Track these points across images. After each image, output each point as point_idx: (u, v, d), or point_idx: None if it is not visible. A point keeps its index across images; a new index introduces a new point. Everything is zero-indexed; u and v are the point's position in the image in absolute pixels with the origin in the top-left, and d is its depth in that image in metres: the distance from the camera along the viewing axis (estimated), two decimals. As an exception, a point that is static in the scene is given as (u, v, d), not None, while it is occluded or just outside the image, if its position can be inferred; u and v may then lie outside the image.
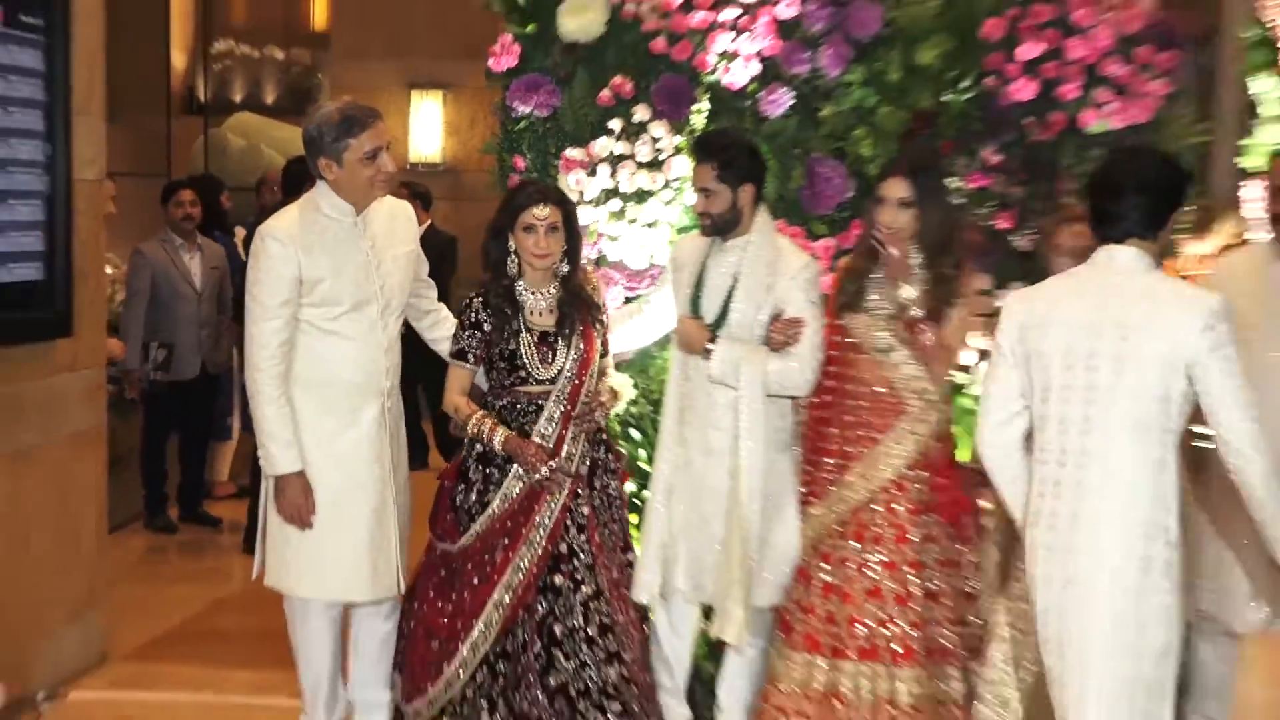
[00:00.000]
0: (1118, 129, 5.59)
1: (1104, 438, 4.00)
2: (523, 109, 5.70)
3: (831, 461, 5.03)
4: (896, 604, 4.87)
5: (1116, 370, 3.99)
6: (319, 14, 14.85)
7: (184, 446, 9.09)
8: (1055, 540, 4.03)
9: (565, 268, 5.02)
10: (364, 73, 12.86)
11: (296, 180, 8.63)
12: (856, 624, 4.88)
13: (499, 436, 4.85)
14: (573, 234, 5.01)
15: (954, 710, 4.86)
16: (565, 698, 4.85)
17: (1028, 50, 5.55)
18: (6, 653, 5.58)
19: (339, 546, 4.90)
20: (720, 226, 5.02)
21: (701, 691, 5.34)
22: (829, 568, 4.98)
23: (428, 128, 13.00)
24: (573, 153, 5.67)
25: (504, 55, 5.72)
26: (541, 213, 4.90)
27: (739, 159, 5.00)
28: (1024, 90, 5.57)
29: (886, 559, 4.91)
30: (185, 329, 8.67)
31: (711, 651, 5.32)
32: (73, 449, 6.05)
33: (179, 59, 13.97)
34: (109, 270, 7.95)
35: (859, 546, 4.94)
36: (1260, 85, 8.96)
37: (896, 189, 4.93)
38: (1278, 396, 4.66)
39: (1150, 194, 4.16)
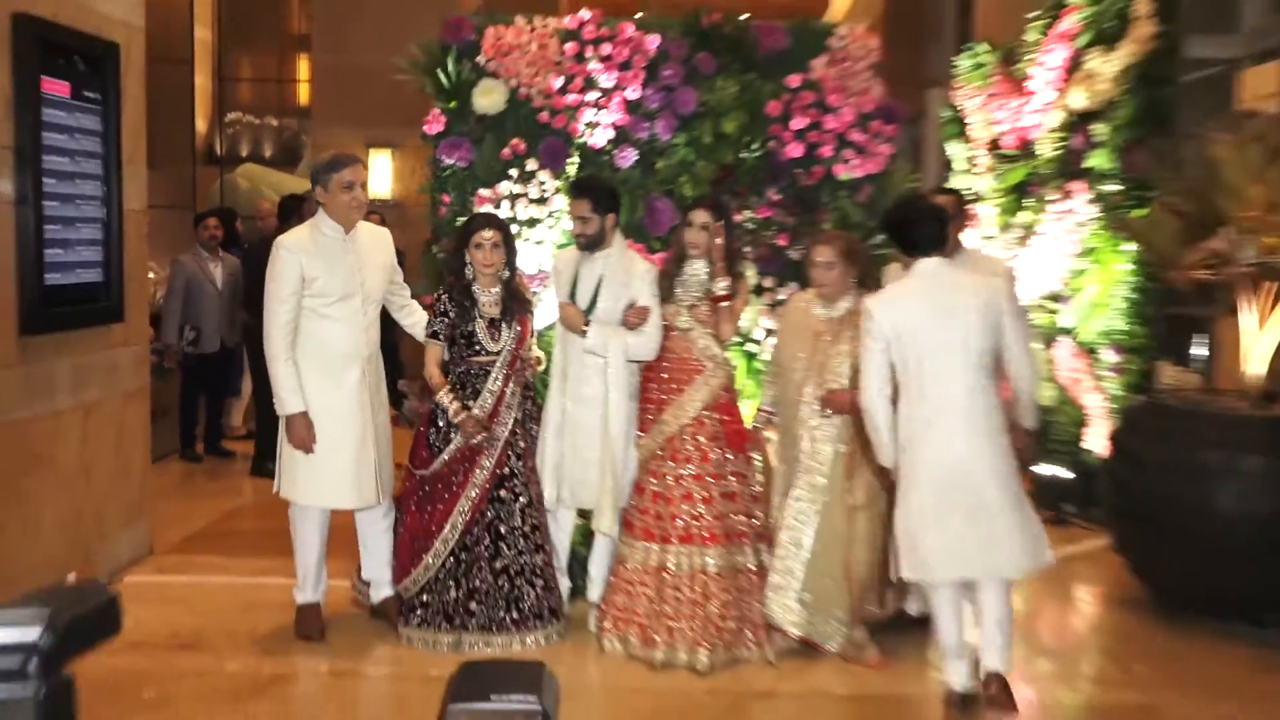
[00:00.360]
0: (859, 177, 5.71)
1: (952, 380, 4.25)
2: (448, 161, 5.66)
3: (653, 405, 5.08)
4: (703, 503, 4.93)
5: (956, 336, 4.24)
6: (303, 93, 14.72)
7: (208, 400, 8.98)
8: (939, 450, 4.25)
9: (505, 273, 5.04)
10: (335, 135, 12.65)
11: (287, 212, 8.58)
12: (676, 519, 4.93)
13: (451, 409, 4.89)
14: (510, 249, 5.05)
15: (749, 574, 4.93)
16: (506, 576, 4.92)
17: (797, 123, 5.63)
18: (79, 549, 5.52)
19: (331, 468, 4.91)
20: (591, 244, 5.05)
21: (577, 568, 5.36)
22: (655, 480, 5.02)
23: (381, 174, 12.86)
24: (484, 192, 5.65)
25: (434, 123, 5.68)
26: (487, 234, 4.94)
27: (605, 196, 5.06)
28: (795, 150, 5.66)
29: (694, 472, 4.97)
30: (209, 316, 8.57)
31: (584, 540, 5.34)
32: (125, 402, 5.94)
33: (201, 124, 13.76)
34: (150, 274, 7.85)
35: (674, 464, 5.00)
36: (952, 149, 9.17)
37: (700, 216, 5.04)
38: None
39: (934, 224, 4.44)
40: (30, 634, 1.28)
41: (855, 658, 4.88)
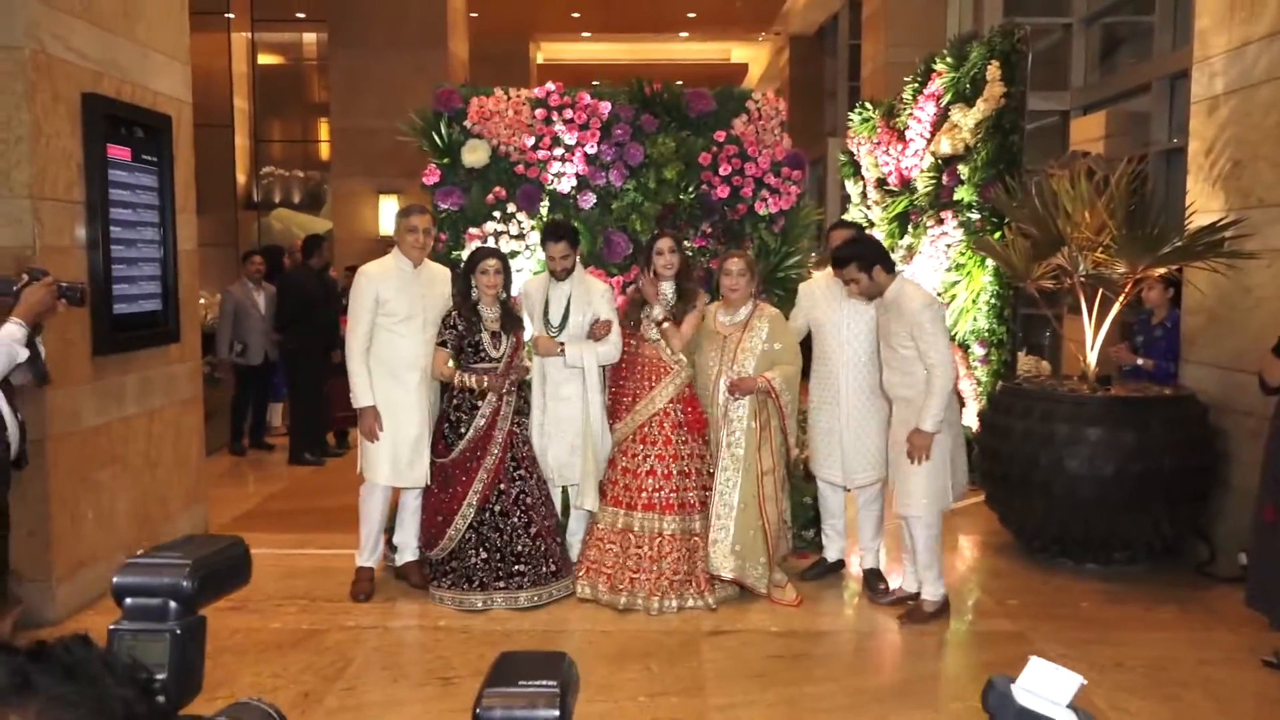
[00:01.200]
0: (774, 212, 5.67)
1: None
2: (444, 206, 5.58)
3: (629, 398, 5.02)
4: (664, 479, 4.90)
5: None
6: (324, 150, 14.54)
7: (254, 404, 8.81)
8: None
9: (504, 295, 4.97)
10: (350, 184, 12.55)
11: (308, 249, 8.44)
12: (642, 491, 4.90)
13: (474, 381, 4.83)
14: (508, 276, 4.98)
15: (696, 539, 4.90)
16: (541, 538, 4.89)
17: (724, 170, 5.59)
18: (148, 529, 5.37)
19: (394, 453, 4.89)
20: (568, 273, 5.01)
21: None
22: (625, 458, 4.99)
23: (389, 215, 12.70)
24: (473, 230, 5.58)
25: (431, 175, 5.60)
26: (491, 263, 4.88)
27: (575, 236, 5.04)
28: (722, 192, 5.61)
29: (659, 453, 4.93)
30: (254, 335, 8.38)
31: (564, 511, 5.28)
32: (182, 408, 5.79)
33: (241, 176, 13.59)
34: (200, 300, 7.70)
35: (643, 447, 4.95)
36: (849, 186, 9.15)
37: (667, 244, 4.98)
38: (843, 355, 5.03)
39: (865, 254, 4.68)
40: (174, 579, 1.24)
41: (779, 599, 4.90)
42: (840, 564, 5.35)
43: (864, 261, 4.67)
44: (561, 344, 4.95)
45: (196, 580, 1.24)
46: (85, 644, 0.88)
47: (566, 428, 5.01)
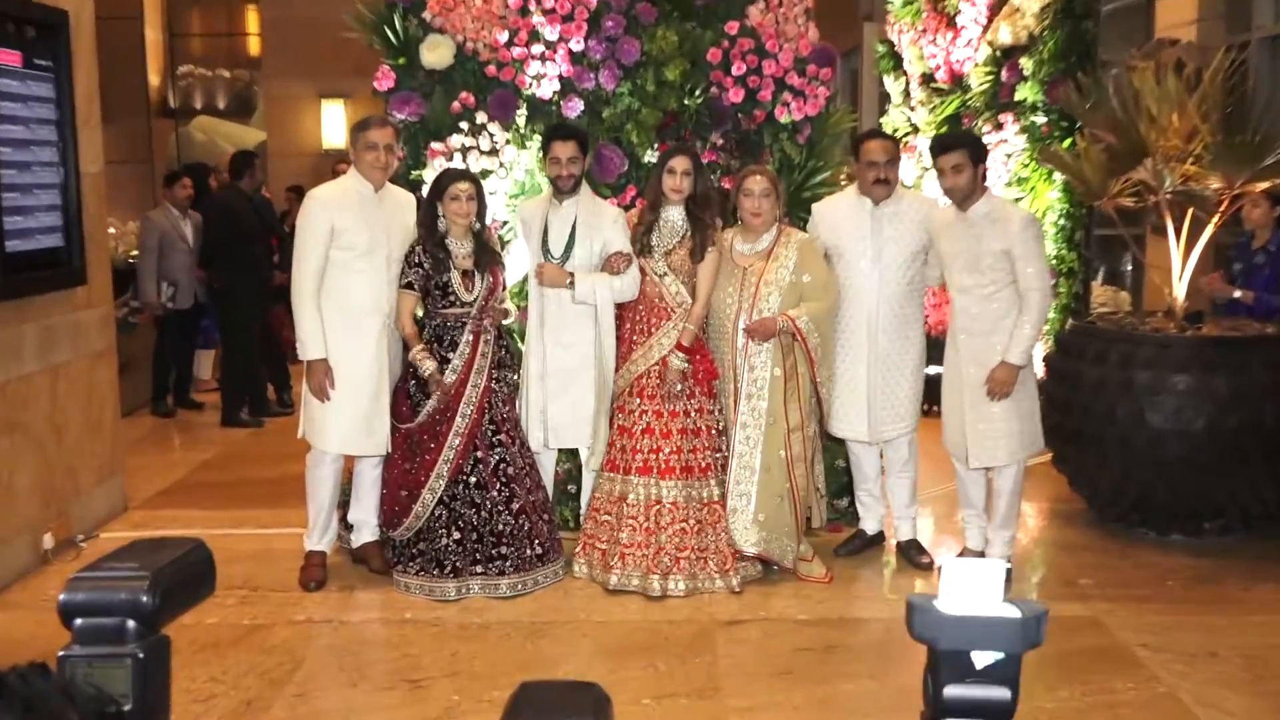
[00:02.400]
0: (798, 119, 5.64)
1: None
2: (400, 116, 5.53)
3: (624, 346, 5.06)
4: (663, 438, 4.94)
5: None
6: (254, 45, 14.41)
7: (180, 354, 8.83)
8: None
9: (477, 225, 4.95)
10: (286, 86, 12.47)
11: (238, 168, 8.39)
12: (635, 453, 4.95)
13: (426, 368, 4.82)
14: (482, 202, 4.95)
15: (715, 505, 4.95)
16: (525, 515, 4.92)
17: (736, 69, 5.54)
18: (54, 508, 5.42)
19: (348, 415, 4.89)
20: (576, 184, 5.01)
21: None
22: (621, 416, 5.05)
23: (335, 124, 12.62)
24: (436, 145, 5.53)
25: (384, 79, 5.54)
26: (462, 187, 4.86)
27: (585, 138, 5.08)
28: (735, 95, 5.57)
29: (656, 409, 4.97)
30: (185, 274, 8.41)
31: (572, 476, 5.46)
32: (93, 363, 5.81)
33: (154, 78, 13.43)
34: (111, 230, 7.71)
35: (639, 401, 5.00)
36: (888, 83, 9.09)
37: (683, 163, 4.95)
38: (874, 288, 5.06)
39: None
40: (132, 595, 1.25)
41: (806, 574, 5.00)
42: (881, 536, 5.44)
43: (976, 151, 4.88)
44: (571, 274, 4.95)
45: (158, 594, 1.25)
46: (43, 673, 0.90)
47: (570, 381, 5.03)
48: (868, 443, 5.23)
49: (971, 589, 1.12)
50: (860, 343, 5.08)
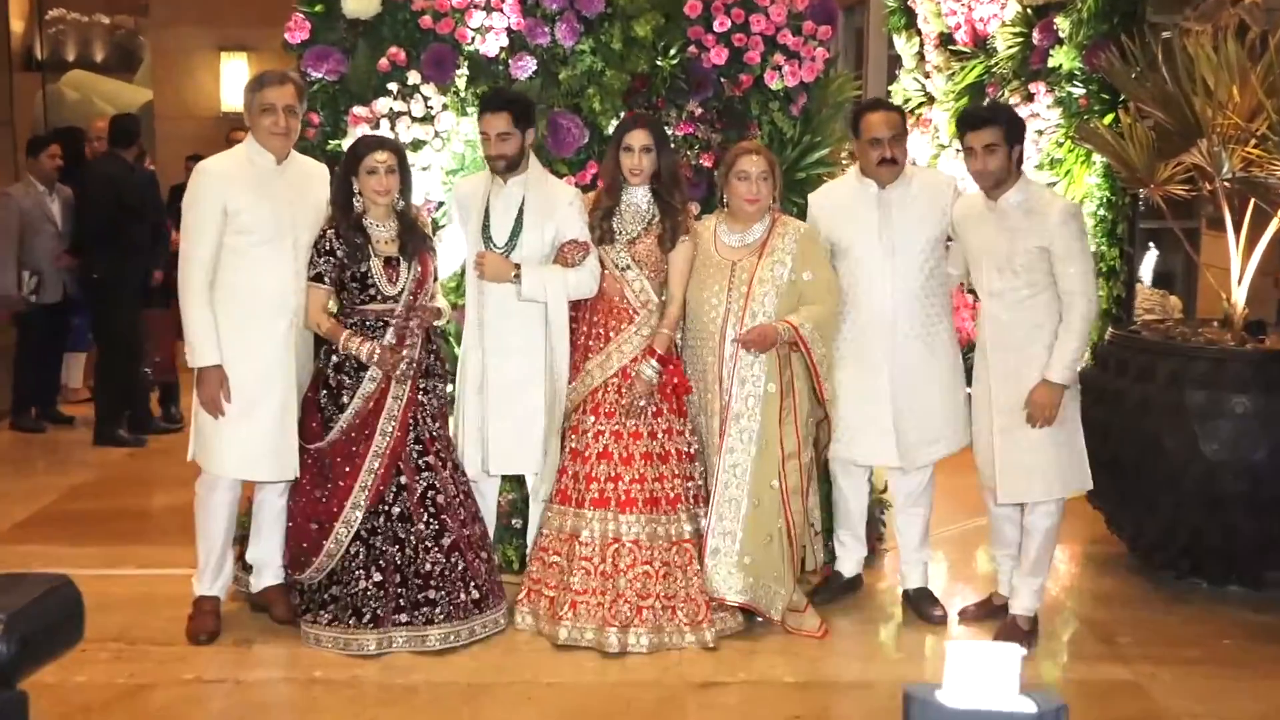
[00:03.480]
0: (792, 86, 5.66)
1: None
2: (315, 74, 5.52)
3: (578, 353, 5.05)
4: (622, 463, 4.94)
5: None
6: (138, -16, 14.34)
7: (47, 358, 8.77)
8: None
9: (400, 203, 4.94)
10: (178, 36, 12.40)
11: (120, 134, 8.33)
12: (590, 481, 4.95)
13: (364, 351, 4.79)
14: (405, 175, 4.95)
15: (685, 545, 4.95)
16: (458, 552, 4.89)
17: (720, 24, 5.56)
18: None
19: (247, 432, 4.84)
20: (512, 164, 4.99)
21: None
22: (574, 437, 5.05)
23: (236, 84, 12.55)
24: (359, 110, 5.52)
25: (297, 30, 5.54)
26: (382, 157, 4.84)
27: (525, 109, 5.03)
28: (718, 56, 5.60)
29: (615, 429, 4.97)
30: (48, 260, 8.35)
31: (517, 509, 5.47)
32: (-60, 366, 5.75)
33: (16, 24, 13.34)
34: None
35: (595, 420, 5.00)
36: (899, 44, 9.14)
37: (640, 138, 4.95)
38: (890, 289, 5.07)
39: None
40: None
41: (797, 628, 5.01)
42: (859, 581, 5.50)
43: (1014, 129, 4.88)
44: (517, 266, 4.94)
45: (14, 643, 1.25)
46: None
47: (514, 395, 5.02)
48: (898, 468, 5.21)
49: (981, 677, 1.11)
50: (878, 350, 5.07)
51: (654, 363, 4.91)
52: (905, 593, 5.35)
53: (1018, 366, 4.83)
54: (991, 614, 5.21)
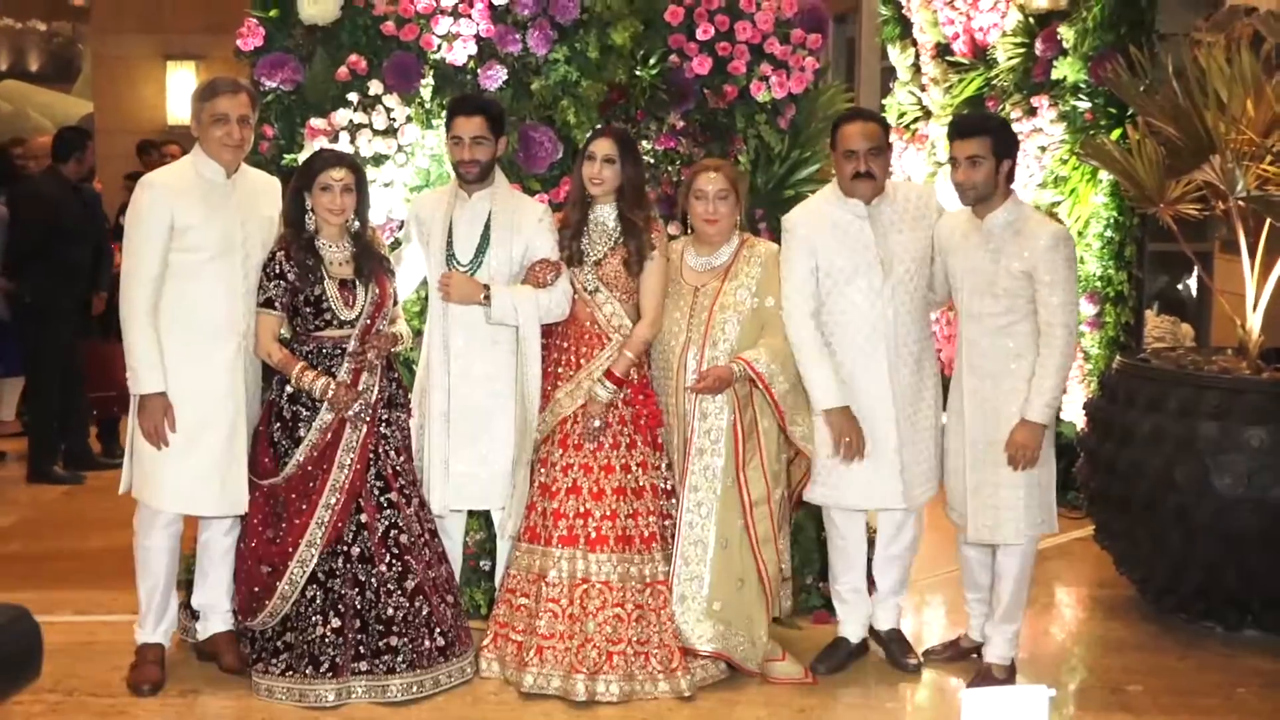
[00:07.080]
0: (779, 97, 5.70)
1: None
2: (270, 84, 5.54)
3: (545, 382, 5.05)
4: (592, 499, 4.94)
5: None
6: (78, -9, 14.33)
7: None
8: None
9: (356, 224, 4.95)
10: (122, 44, 12.39)
11: (64, 149, 8.32)
12: (559, 518, 4.95)
13: (318, 387, 4.79)
14: (363, 195, 4.95)
15: (660, 586, 4.94)
16: (422, 595, 4.87)
17: (703, 32, 5.60)
18: None
19: (192, 463, 4.82)
20: (484, 173, 5.00)
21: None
22: (543, 471, 5.04)
23: (183, 95, 12.56)
24: (316, 122, 5.54)
25: (250, 36, 5.55)
26: (338, 174, 4.84)
27: (501, 114, 5.07)
28: (701, 66, 5.63)
29: (584, 462, 4.97)
30: (-26, 279, 8.35)
31: (483, 549, 5.48)
32: None
33: (-53, 32, 13.33)
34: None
35: (562, 452, 5.01)
36: (894, 55, 9.19)
37: (603, 147, 4.97)
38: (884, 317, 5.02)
39: None
40: None
41: (780, 676, 5.00)
42: (866, 646, 5.33)
43: (1003, 142, 4.88)
44: (486, 287, 4.96)
45: None
46: None
47: (481, 425, 5.03)
48: (903, 509, 5.12)
49: None
50: (883, 384, 4.98)
51: (607, 383, 4.92)
52: (875, 632, 5.28)
53: (994, 398, 4.82)
54: (958, 655, 5.25)
